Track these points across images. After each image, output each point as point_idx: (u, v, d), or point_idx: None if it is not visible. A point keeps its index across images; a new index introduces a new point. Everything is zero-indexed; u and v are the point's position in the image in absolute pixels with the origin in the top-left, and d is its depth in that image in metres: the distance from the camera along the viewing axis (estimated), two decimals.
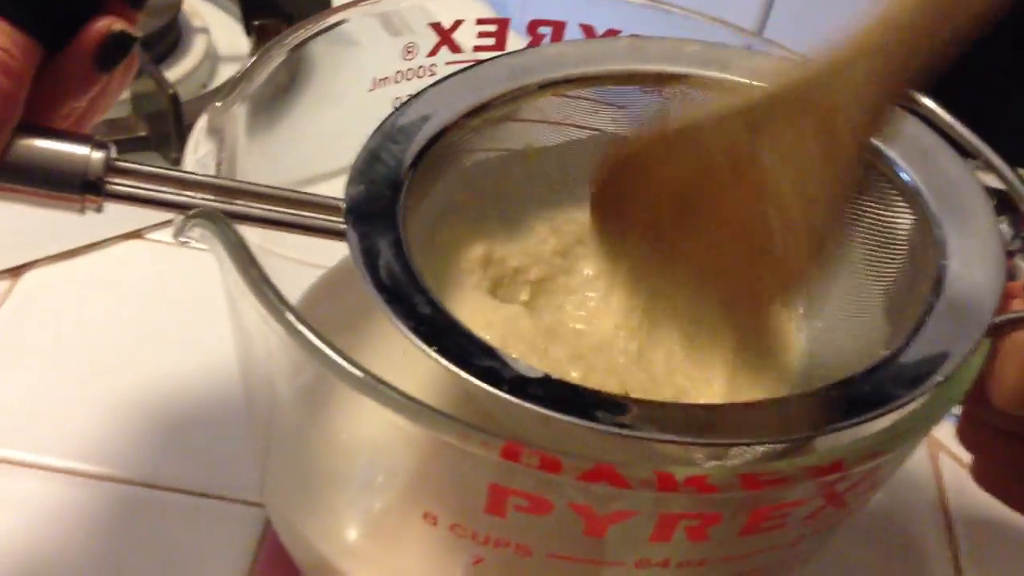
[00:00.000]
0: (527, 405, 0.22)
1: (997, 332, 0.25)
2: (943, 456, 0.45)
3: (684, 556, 0.23)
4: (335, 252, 0.27)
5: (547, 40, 0.37)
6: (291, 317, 0.22)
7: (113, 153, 0.25)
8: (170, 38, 0.53)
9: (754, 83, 0.29)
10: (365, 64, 0.35)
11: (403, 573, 0.28)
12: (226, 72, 0.56)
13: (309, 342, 0.22)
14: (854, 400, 0.23)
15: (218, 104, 0.28)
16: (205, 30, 0.56)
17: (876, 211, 0.32)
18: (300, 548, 0.30)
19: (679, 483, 0.21)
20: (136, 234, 0.47)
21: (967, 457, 0.31)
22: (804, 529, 0.24)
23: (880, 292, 0.32)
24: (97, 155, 0.24)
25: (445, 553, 0.25)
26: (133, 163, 0.25)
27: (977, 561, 0.41)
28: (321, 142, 0.34)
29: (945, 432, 0.45)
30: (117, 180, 0.24)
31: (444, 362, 0.23)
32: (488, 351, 0.23)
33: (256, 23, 0.55)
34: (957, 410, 0.27)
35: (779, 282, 0.31)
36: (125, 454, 0.38)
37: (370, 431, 0.25)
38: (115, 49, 0.25)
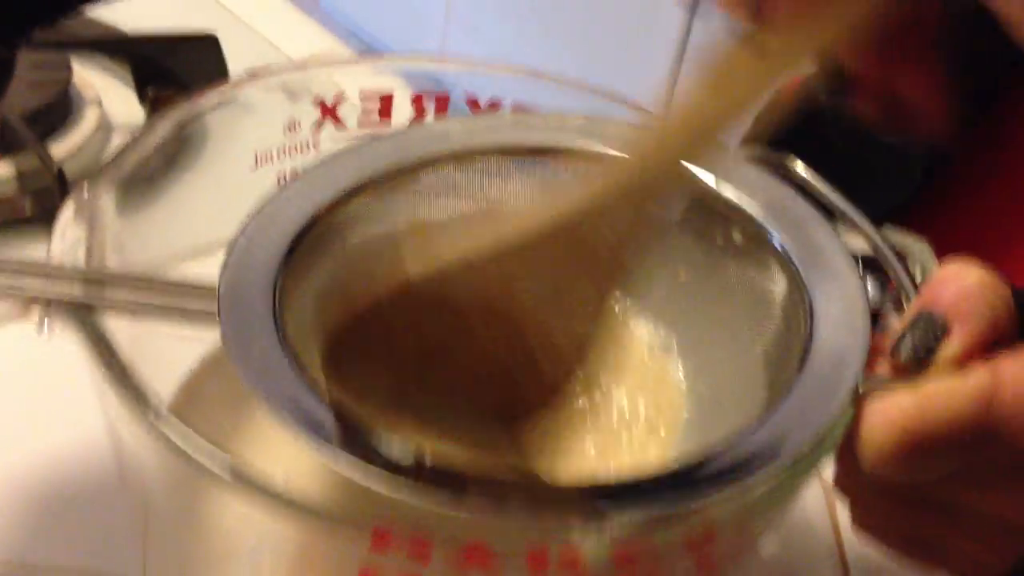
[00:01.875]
0: (396, 495, 0.22)
1: (861, 398, 0.26)
2: (840, 503, 0.46)
3: None
4: None
5: (431, 113, 0.37)
6: (151, 418, 0.21)
7: None
8: (59, 111, 0.52)
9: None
10: (248, 139, 0.35)
11: None
12: (121, 142, 0.55)
13: (171, 442, 0.21)
14: (719, 472, 0.23)
15: (86, 191, 0.27)
16: (97, 101, 0.55)
17: (753, 276, 0.33)
18: None
19: (551, 565, 0.21)
20: None
21: None
22: None
23: (760, 356, 0.32)
24: None
25: None
26: None
27: None
28: (204, 218, 0.34)
29: None
30: None
31: (314, 450, 0.23)
32: (362, 434, 0.23)
33: (150, 93, 0.55)
34: None
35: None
36: (1, 537, 0.36)
37: (245, 520, 0.25)
38: None
